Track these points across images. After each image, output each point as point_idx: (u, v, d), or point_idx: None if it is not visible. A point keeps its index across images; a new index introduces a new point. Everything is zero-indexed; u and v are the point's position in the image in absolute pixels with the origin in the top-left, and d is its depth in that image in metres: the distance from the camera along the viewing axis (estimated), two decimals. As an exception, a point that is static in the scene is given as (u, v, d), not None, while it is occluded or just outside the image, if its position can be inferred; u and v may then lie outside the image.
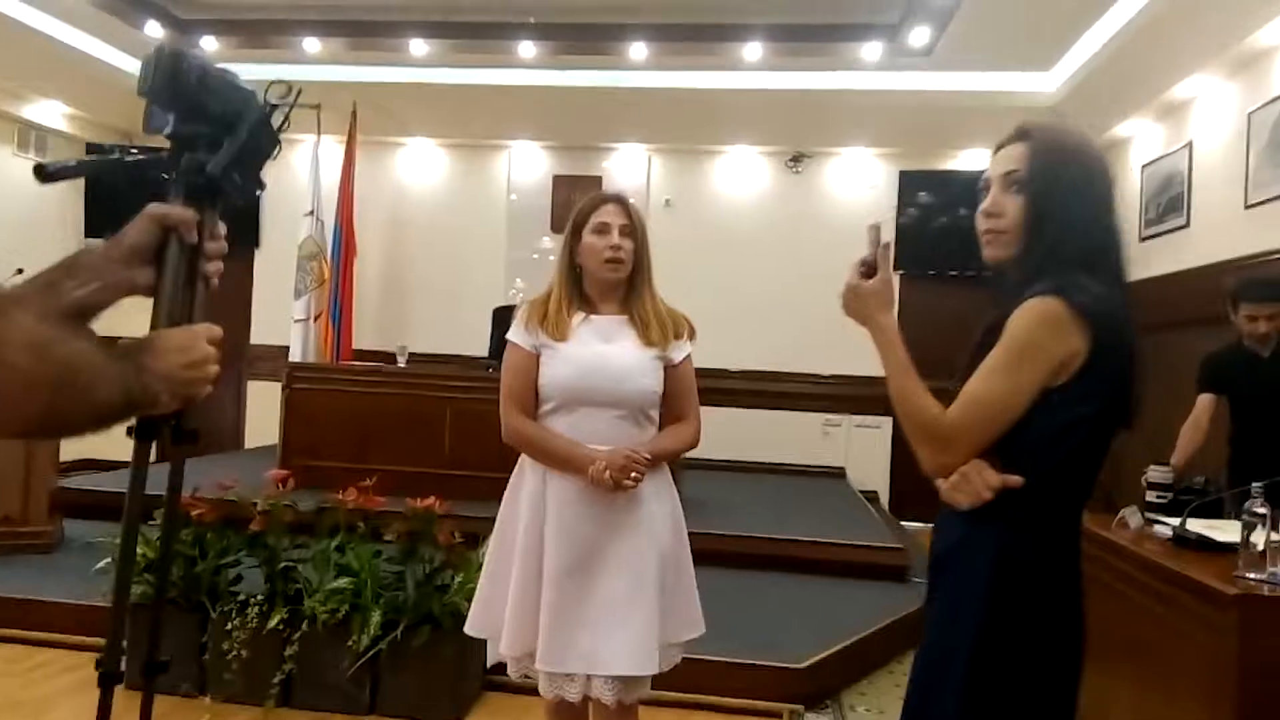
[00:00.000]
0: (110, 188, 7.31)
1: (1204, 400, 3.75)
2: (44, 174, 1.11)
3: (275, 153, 1.16)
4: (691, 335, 2.20)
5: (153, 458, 1.14)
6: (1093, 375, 1.35)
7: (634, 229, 2.13)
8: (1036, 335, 1.33)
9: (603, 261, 2.09)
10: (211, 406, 7.86)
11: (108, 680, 1.14)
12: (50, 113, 7.16)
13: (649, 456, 2.01)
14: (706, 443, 7.11)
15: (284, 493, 3.24)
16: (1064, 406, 1.35)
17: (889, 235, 1.59)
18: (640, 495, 2.04)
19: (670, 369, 2.13)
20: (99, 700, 1.14)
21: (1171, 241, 5.52)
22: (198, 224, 1.08)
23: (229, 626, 3.02)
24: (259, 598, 3.07)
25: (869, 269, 1.47)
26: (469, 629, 2.16)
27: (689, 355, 2.18)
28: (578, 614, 2.01)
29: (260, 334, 7.72)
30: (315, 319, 7.08)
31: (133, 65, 6.94)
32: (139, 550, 3.09)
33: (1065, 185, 1.40)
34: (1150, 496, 4.23)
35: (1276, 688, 2.11)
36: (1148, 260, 5.78)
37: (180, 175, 1.09)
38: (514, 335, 2.14)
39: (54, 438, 3.53)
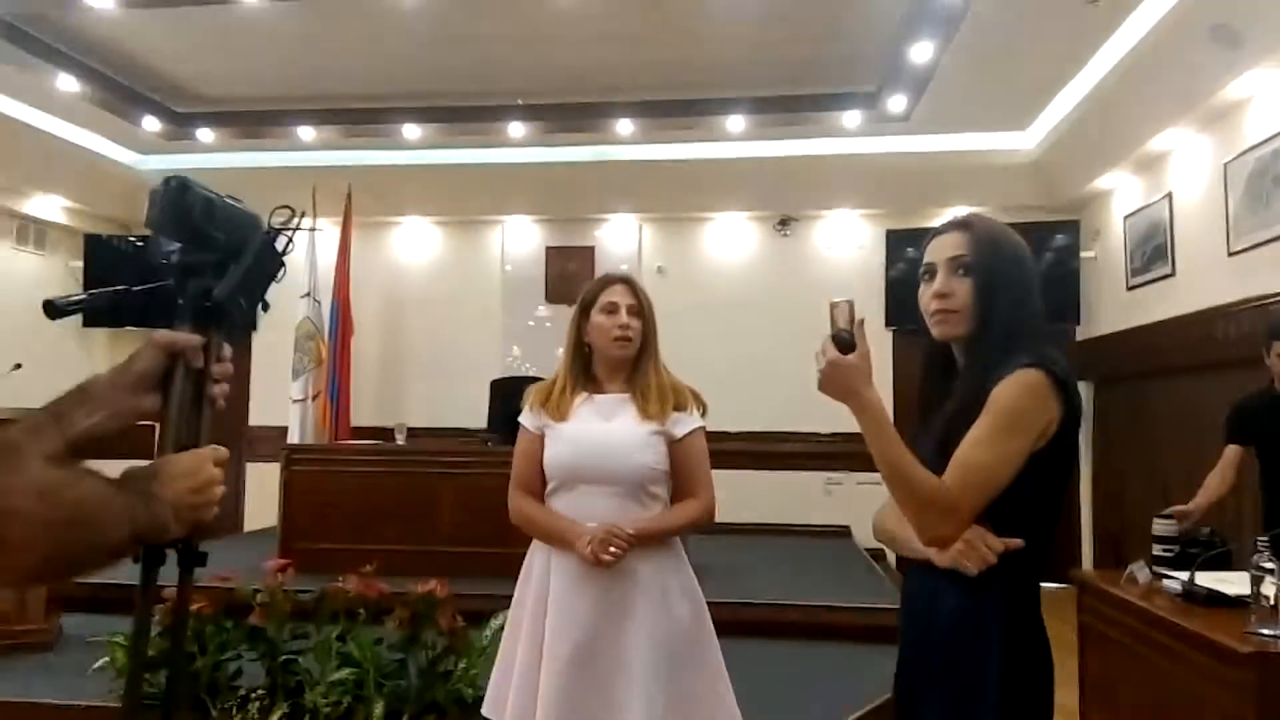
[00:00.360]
0: (109, 278, 7.40)
1: (1230, 452, 3.64)
2: (53, 309, 1.12)
3: (280, 275, 1.18)
4: (702, 410, 2.19)
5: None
6: (1063, 437, 1.46)
7: (641, 308, 2.17)
8: (1024, 404, 1.43)
9: (611, 340, 2.13)
10: (210, 491, 7.81)
11: None
12: (49, 207, 7.28)
13: (631, 533, 1.98)
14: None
15: (283, 582, 3.21)
16: (1046, 469, 1.46)
17: (873, 300, 1.60)
18: (639, 575, 2.01)
19: (674, 444, 2.11)
20: None
21: (1158, 290, 5.59)
22: (204, 348, 1.10)
23: (230, 723, 2.96)
24: (260, 692, 3.03)
25: (846, 345, 1.47)
26: (485, 710, 2.15)
27: (697, 430, 2.15)
28: (575, 707, 1.96)
29: (258, 415, 7.72)
30: (313, 398, 7.09)
31: (130, 158, 7.17)
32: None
33: (1009, 269, 1.54)
34: (1157, 550, 4.19)
35: (1297, 747, 2.07)
36: (1137, 308, 5.85)
37: (187, 301, 1.11)
38: (523, 418, 2.19)
39: (63, 579, 3.52)
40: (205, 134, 6.61)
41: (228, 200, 1.15)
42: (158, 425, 1.09)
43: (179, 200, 1.08)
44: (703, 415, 2.19)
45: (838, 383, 1.48)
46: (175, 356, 1.07)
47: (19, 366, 5.20)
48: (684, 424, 2.13)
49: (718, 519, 2.20)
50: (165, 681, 1.21)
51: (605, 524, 1.99)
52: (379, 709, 2.89)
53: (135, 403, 1.04)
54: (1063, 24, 4.77)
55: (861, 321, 1.50)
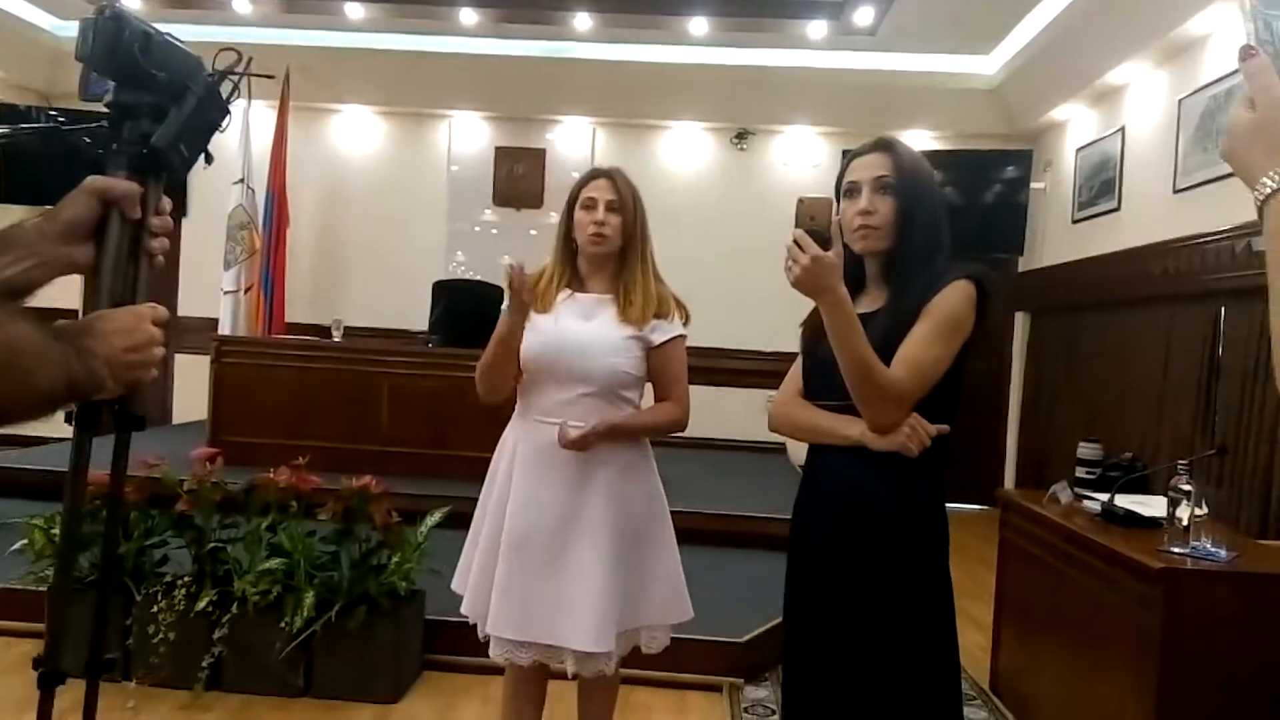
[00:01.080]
0: (31, 153, 6.96)
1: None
2: None
3: (224, 124, 1.10)
4: (685, 319, 2.19)
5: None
6: (973, 337, 1.67)
7: (622, 203, 2.13)
8: (963, 311, 1.62)
9: (587, 236, 2.11)
10: (137, 381, 7.57)
11: (49, 681, 1.05)
12: (-40, 71, 6.77)
13: (606, 423, 2.02)
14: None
15: (212, 471, 3.12)
16: (959, 367, 1.65)
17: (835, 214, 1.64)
18: (606, 466, 2.06)
19: (651, 350, 2.12)
20: (39, 705, 1.05)
21: (1103, 224, 5.66)
22: (141, 198, 1.02)
23: (155, 609, 2.91)
24: (186, 579, 2.97)
25: (824, 243, 1.49)
26: (454, 585, 2.22)
27: (676, 338, 2.15)
28: (531, 583, 2.03)
29: (188, 306, 7.44)
30: (246, 291, 6.85)
31: (52, 23, 6.68)
32: (53, 532, 2.97)
33: (927, 191, 1.70)
34: (1080, 472, 4.36)
35: (1198, 657, 2.19)
36: (1080, 242, 5.94)
37: (123, 146, 1.02)
38: (504, 306, 2.13)
39: None
40: (132, 0, 6.15)
41: (168, 37, 1.05)
42: (87, 279, 1.02)
43: (115, 31, 1.00)
44: (685, 324, 2.18)
45: (817, 279, 1.51)
46: (110, 205, 0.99)
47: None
48: (662, 331, 2.13)
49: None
50: (100, 561, 1.16)
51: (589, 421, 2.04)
52: (309, 598, 2.86)
53: (65, 252, 0.97)
54: (1035, -56, 4.68)
55: (839, 221, 1.58)
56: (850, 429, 1.64)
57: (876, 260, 1.71)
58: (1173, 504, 2.45)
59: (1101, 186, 5.71)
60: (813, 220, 1.51)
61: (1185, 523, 2.40)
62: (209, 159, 1.10)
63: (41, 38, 6.75)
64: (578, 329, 2.10)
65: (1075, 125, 6.25)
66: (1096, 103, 5.88)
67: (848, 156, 1.75)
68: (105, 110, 1.06)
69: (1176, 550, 2.34)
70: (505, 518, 2.08)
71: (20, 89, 7.20)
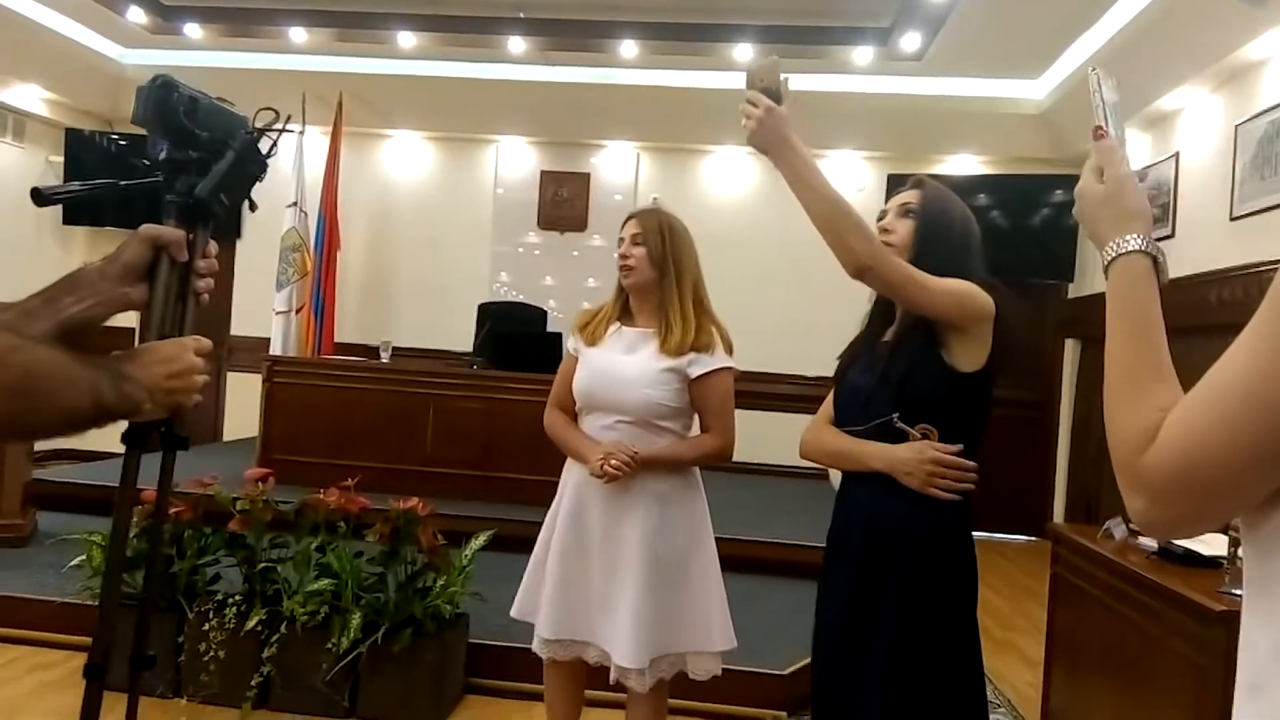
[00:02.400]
0: (90, 174, 7.21)
1: None
2: (40, 197, 1.15)
3: (262, 176, 1.22)
4: (729, 350, 2.26)
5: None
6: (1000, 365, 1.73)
7: (646, 236, 2.24)
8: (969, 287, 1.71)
9: (618, 270, 2.29)
10: (190, 398, 7.75)
11: (95, 673, 1.15)
12: (29, 97, 7.03)
13: (633, 454, 2.11)
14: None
15: (264, 490, 3.18)
16: (982, 392, 1.71)
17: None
18: (645, 496, 2.16)
19: (691, 383, 2.20)
20: (85, 695, 1.13)
21: (1156, 251, 5.56)
22: (188, 243, 1.15)
23: (206, 627, 2.97)
24: (237, 598, 3.03)
25: (776, 99, 1.62)
26: (513, 613, 2.34)
27: (717, 370, 2.21)
28: (575, 590, 2.19)
29: (240, 325, 7.62)
30: (297, 311, 7.00)
31: (114, 50, 6.92)
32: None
33: (948, 222, 1.78)
34: (1133, 507, 4.23)
35: (1261, 705, 2.11)
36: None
37: (173, 197, 1.16)
38: (567, 340, 2.41)
39: (17, 440, 3.53)
40: (193, 29, 6.37)
41: (214, 100, 1.19)
42: (141, 314, 1.14)
43: (164, 98, 1.14)
44: (729, 354, 2.25)
45: (772, 131, 1.61)
46: (160, 249, 1.13)
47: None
48: (701, 364, 2.19)
49: None
50: (143, 579, 1.26)
51: (618, 443, 2.15)
52: (356, 619, 2.90)
53: (122, 292, 1.10)
54: (1086, -30, 4.64)
55: (786, 80, 1.65)
56: (873, 460, 1.70)
57: None
58: (1233, 544, 2.38)
59: (1156, 212, 5.60)
60: (762, 83, 1.63)
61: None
62: (253, 206, 1.24)
63: (105, 64, 7.00)
64: (620, 362, 2.22)
65: (1128, 150, 6.14)
66: (1150, 127, 5.78)
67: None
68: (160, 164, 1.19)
69: (1238, 593, 2.27)
70: (552, 540, 2.25)
71: (85, 113, 7.47)
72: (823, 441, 1.84)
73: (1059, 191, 6.58)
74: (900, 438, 1.69)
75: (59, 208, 7.36)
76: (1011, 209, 6.65)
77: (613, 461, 2.09)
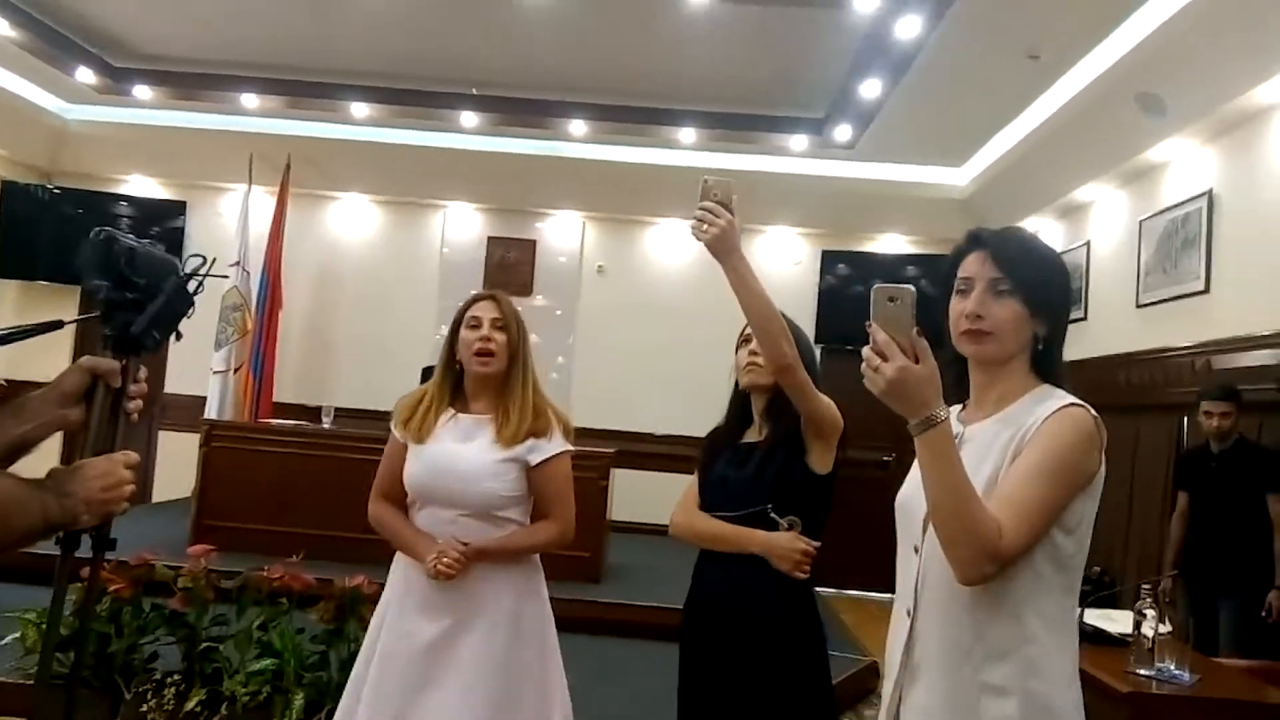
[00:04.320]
0: (26, 226, 7.09)
1: (1181, 497, 4.07)
2: None
3: (189, 313, 1.39)
4: (568, 435, 2.21)
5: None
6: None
7: (505, 322, 2.17)
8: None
9: (473, 354, 2.14)
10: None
11: None
12: (-34, 149, 6.91)
13: (470, 549, 2.02)
14: (633, 507, 7.05)
15: (205, 566, 3.17)
16: (831, 488, 2.02)
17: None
18: (484, 595, 2.05)
19: (531, 470, 2.13)
20: None
21: (1071, 332, 5.87)
22: (122, 371, 1.30)
23: (144, 708, 2.93)
24: (176, 677, 3.00)
25: (728, 216, 1.81)
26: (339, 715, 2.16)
27: (556, 456, 2.15)
28: (395, 700, 2.00)
29: (175, 383, 7.49)
30: (235, 370, 6.92)
31: (57, 105, 6.87)
32: (43, 626, 3.00)
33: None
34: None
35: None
36: (1049, 348, 6.16)
37: (110, 331, 1.31)
38: (392, 425, 2.23)
39: None
40: (142, 91, 6.37)
41: (148, 248, 1.35)
42: (79, 434, 1.29)
43: (107, 249, 1.30)
44: (566, 439, 2.20)
45: (730, 240, 1.83)
46: (97, 378, 1.28)
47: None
48: (540, 450, 2.13)
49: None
50: (72, 661, 1.34)
51: (447, 539, 2.04)
52: (299, 700, 2.90)
53: (61, 414, 1.26)
54: (1005, 74, 5.01)
55: (736, 198, 1.81)
56: (752, 544, 1.92)
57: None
58: (1137, 625, 2.57)
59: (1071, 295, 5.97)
60: (717, 196, 1.80)
61: (1150, 644, 2.52)
62: (179, 336, 1.40)
63: (48, 119, 6.94)
64: (455, 452, 2.11)
65: (1044, 236, 6.54)
66: (1063, 216, 6.19)
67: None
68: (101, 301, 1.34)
69: (1143, 673, 2.45)
70: (379, 641, 2.08)
71: (24, 166, 7.36)
72: (695, 524, 2.04)
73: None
74: (767, 525, 1.93)
75: (-9, 263, 7.22)
76: (937, 283, 6.99)
77: (444, 560, 1.99)
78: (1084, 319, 5.74)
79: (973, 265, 1.40)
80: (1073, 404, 1.32)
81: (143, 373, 1.34)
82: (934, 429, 1.24)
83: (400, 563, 2.16)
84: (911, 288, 1.26)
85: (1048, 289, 1.40)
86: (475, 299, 2.22)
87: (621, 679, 3.99)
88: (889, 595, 1.45)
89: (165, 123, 6.94)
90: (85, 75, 6.12)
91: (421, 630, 2.04)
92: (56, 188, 7.35)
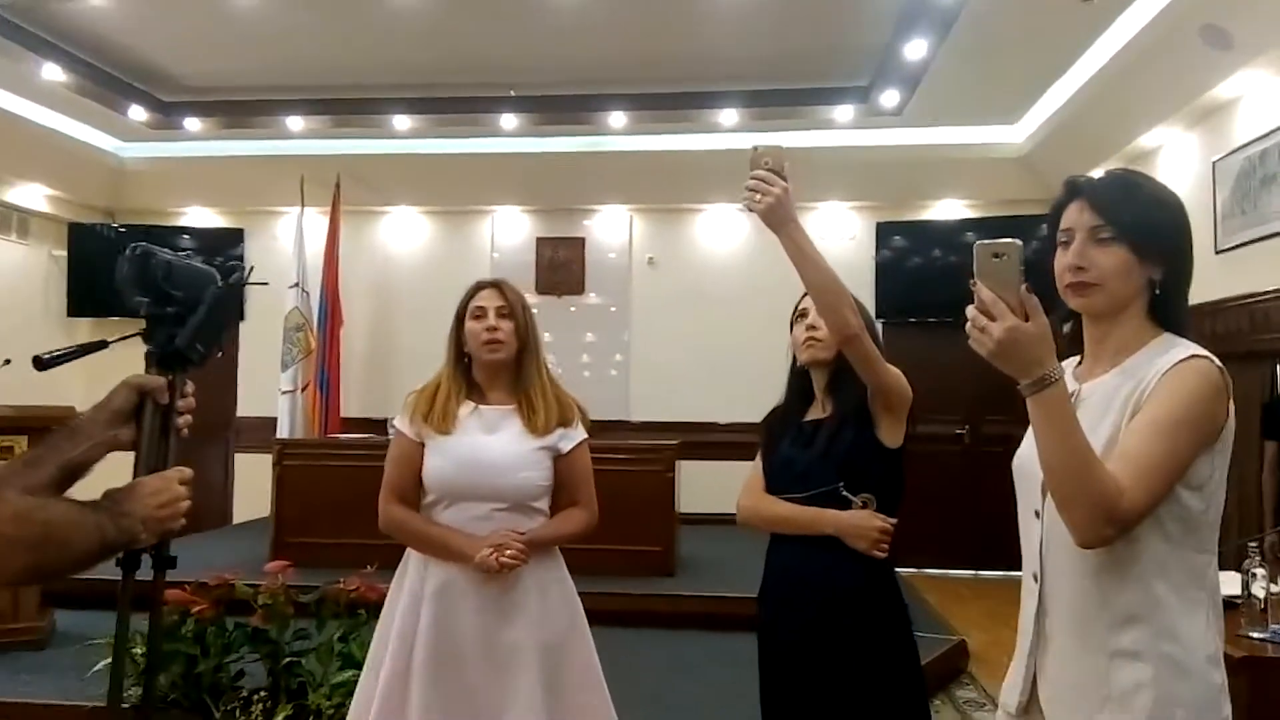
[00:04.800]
0: (93, 264, 7.33)
1: (1269, 448, 3.87)
2: (41, 364, 1.29)
3: (231, 323, 1.32)
4: (586, 422, 2.19)
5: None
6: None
7: (511, 310, 2.13)
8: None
9: (481, 344, 2.10)
10: (200, 481, 7.75)
11: None
12: (32, 195, 7.17)
13: (522, 538, 1.99)
14: (702, 498, 6.97)
15: (284, 582, 3.21)
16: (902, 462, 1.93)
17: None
18: (523, 586, 2.01)
19: (559, 459, 2.11)
20: None
21: (1146, 285, 5.65)
22: (169, 386, 1.29)
23: (233, 726, 2.98)
24: (262, 694, 3.04)
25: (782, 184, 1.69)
26: None
27: (582, 443, 2.15)
28: (453, 709, 1.95)
29: (247, 406, 7.67)
30: (303, 389, 7.06)
31: (114, 144, 7.09)
32: (138, 650, 3.07)
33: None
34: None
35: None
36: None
37: (154, 347, 1.31)
38: (399, 424, 2.14)
39: (43, 583, 3.74)
40: (192, 123, 6.53)
41: (186, 260, 1.35)
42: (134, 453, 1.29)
43: (144, 265, 1.29)
44: (585, 426, 2.18)
45: (785, 209, 1.70)
46: (145, 395, 1.28)
47: (8, 362, 5.14)
48: (570, 439, 2.13)
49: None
50: (143, 682, 1.33)
51: (499, 532, 2.00)
52: (382, 710, 2.90)
53: (113, 434, 1.26)
54: (1056, 21, 4.79)
55: (786, 167, 1.70)
56: (824, 525, 1.84)
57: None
58: (1246, 585, 2.41)
59: (1141, 248, 5.71)
60: (769, 164, 1.70)
61: (1262, 604, 2.36)
62: (221, 351, 1.38)
63: (105, 159, 7.17)
64: (485, 444, 2.06)
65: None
66: (1130, 166, 5.91)
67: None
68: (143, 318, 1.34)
69: (1257, 635, 2.30)
70: (414, 649, 1.98)
71: (87, 207, 7.61)
72: (762, 508, 1.96)
73: (1044, 229, 6.68)
74: (838, 505, 1.85)
75: (64, 302, 7.49)
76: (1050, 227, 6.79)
77: (508, 553, 1.94)
78: (1160, 270, 5.48)
79: (1072, 215, 1.34)
80: (1196, 355, 1.24)
81: (190, 387, 1.33)
82: (1048, 389, 1.18)
83: (419, 565, 2.06)
84: (1017, 241, 1.20)
85: (1156, 230, 1.31)
86: (478, 287, 2.19)
87: (700, 672, 3.93)
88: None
89: (217, 153, 7.11)
90: (137, 113, 6.29)
91: (468, 629, 1.98)
92: (120, 226, 7.58)
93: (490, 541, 1.97)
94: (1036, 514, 1.35)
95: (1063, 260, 1.35)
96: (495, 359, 2.11)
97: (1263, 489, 3.87)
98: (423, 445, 2.07)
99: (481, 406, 2.12)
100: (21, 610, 4.27)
